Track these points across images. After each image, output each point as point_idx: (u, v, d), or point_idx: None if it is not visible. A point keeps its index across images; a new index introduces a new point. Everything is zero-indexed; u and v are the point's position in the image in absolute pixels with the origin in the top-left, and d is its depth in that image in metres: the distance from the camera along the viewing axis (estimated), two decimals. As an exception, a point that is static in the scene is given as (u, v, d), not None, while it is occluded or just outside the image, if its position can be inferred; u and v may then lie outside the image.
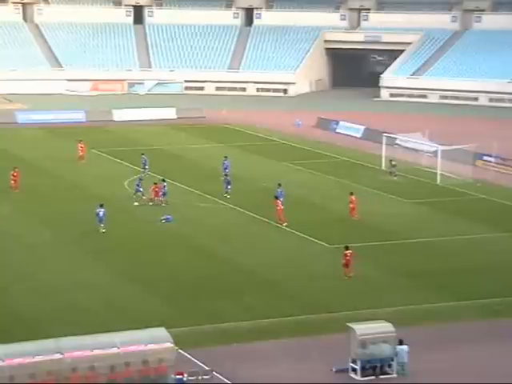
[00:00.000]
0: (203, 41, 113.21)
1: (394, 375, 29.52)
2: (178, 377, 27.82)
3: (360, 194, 52.48)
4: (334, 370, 29.72)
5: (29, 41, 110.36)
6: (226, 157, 59.36)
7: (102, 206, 45.61)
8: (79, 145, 64.85)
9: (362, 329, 29.58)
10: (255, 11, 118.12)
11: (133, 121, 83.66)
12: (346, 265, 39.04)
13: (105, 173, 60.55)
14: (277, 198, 48.36)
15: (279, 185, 51.33)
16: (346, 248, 39.28)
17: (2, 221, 47.62)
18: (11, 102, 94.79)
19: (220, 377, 29.00)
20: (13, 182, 53.81)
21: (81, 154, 64.25)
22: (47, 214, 49.39)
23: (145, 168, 59.15)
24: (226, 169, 57.83)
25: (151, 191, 51.74)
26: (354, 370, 29.41)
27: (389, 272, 40.32)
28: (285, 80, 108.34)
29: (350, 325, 29.91)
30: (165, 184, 51.90)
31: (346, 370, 29.60)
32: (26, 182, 54.69)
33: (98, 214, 45.46)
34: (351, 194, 50.19)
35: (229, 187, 53.70)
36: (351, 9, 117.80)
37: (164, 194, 51.30)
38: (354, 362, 29.45)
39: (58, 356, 26.62)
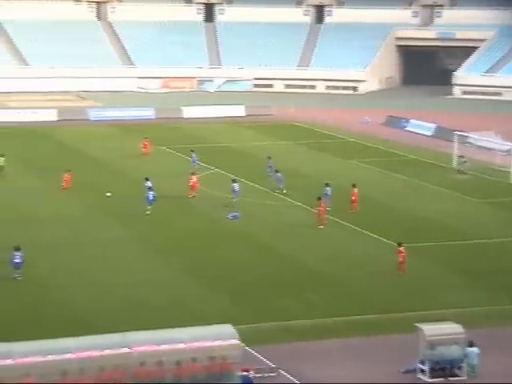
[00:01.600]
0: (273, 38, 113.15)
1: (464, 377, 29.11)
2: (243, 374, 27.87)
3: (428, 192, 51.99)
4: (401, 370, 29.47)
5: (102, 39, 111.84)
6: (269, 157, 59.04)
7: (150, 188, 48.28)
8: (144, 142, 65.69)
9: (430, 329, 29.26)
10: (326, 8, 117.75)
11: (202, 118, 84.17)
12: (401, 262, 39.08)
13: (173, 170, 60.98)
14: (319, 198, 47.66)
15: (327, 184, 50.93)
16: (399, 245, 39.47)
17: (70, 218, 48.32)
18: (84, 99, 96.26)
19: (286, 375, 29.00)
20: (65, 183, 53.91)
21: (144, 150, 65.05)
22: (112, 211, 49.92)
23: (195, 163, 60.04)
24: (270, 167, 57.36)
25: (192, 183, 52.75)
26: (423, 371, 29.12)
27: (454, 272, 39.85)
28: (355, 78, 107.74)
29: (418, 325, 29.63)
30: (235, 184, 51.73)
31: (414, 371, 29.35)
32: (92, 178, 55.48)
33: (147, 197, 47.85)
34: (354, 186, 49.98)
35: (281, 185, 54.01)
36: (424, 5, 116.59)
37: (235, 192, 51.19)
38: (422, 363, 29.16)
39: (125, 350, 26.95)
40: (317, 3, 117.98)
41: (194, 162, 60.44)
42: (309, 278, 39.06)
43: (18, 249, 37.54)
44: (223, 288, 37.45)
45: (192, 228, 46.67)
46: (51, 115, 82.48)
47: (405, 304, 35.68)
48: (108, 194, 52.06)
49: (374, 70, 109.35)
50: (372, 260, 41.49)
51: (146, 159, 64.32)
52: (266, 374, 28.72)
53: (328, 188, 50.41)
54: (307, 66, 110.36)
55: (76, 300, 35.86)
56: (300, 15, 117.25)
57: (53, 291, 36.77)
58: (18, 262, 37.24)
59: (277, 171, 55.40)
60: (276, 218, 48.68)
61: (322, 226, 46.63)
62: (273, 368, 29.10)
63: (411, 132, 79.40)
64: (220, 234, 45.59)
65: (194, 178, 53.41)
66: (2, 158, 57.90)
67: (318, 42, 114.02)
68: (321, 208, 47.01)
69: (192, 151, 61.43)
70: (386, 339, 32.05)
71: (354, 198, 49.65)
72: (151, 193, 48.58)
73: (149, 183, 50.10)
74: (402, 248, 39.37)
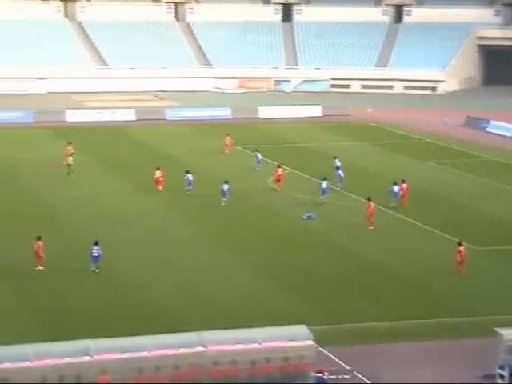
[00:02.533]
0: (350, 38, 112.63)
1: (546, 384, 28.53)
2: (318, 375, 27.74)
3: (507, 195, 51.04)
4: (480, 375, 28.96)
5: (180, 39, 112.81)
6: (335, 157, 58.87)
7: (226, 182, 50.50)
8: (226, 138, 66.38)
9: (510, 334, 28.69)
10: (405, 8, 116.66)
11: (278, 118, 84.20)
12: (460, 261, 38.64)
13: (249, 170, 61.14)
14: (369, 199, 47.06)
15: (395, 183, 50.68)
16: (459, 244, 39.02)
17: (146, 215, 48.81)
18: (161, 99, 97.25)
19: (360, 377, 28.78)
20: (160, 182, 54.45)
21: (226, 147, 66.06)
22: (190, 209, 50.23)
23: (259, 163, 60.60)
24: (337, 167, 57.27)
25: (275, 177, 54.18)
26: (502, 376, 28.54)
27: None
28: (433, 78, 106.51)
29: (497, 330, 29.08)
30: (325, 182, 51.76)
31: (492, 377, 28.80)
32: (170, 177, 55.85)
33: (222, 190, 50.12)
34: (403, 181, 50.39)
35: (338, 184, 54.44)
36: (506, 4, 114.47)
37: (323, 191, 51.50)
38: (501, 368, 28.58)
39: (200, 349, 27.09)
40: (396, 3, 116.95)
41: (259, 161, 60.75)
42: (385, 279, 38.74)
43: (96, 243, 38.64)
44: (297, 288, 37.36)
45: (266, 227, 46.69)
46: (129, 115, 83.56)
47: (482, 308, 35.11)
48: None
49: (453, 70, 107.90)
50: (448, 262, 40.84)
51: (222, 158, 64.56)
52: (340, 376, 28.55)
53: (394, 186, 50.40)
54: (385, 66, 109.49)
55: (155, 297, 36.15)
56: (378, 15, 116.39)
57: (131, 288, 37.17)
58: (96, 256, 38.45)
59: (338, 168, 55.80)
60: (350, 219, 48.39)
61: (371, 227, 46.20)
62: (347, 370, 28.91)
63: (491, 133, 78.10)
64: (295, 233, 45.54)
65: (280, 171, 54.26)
66: (71, 157, 58.77)
67: (396, 41, 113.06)
68: (370, 209, 46.61)
69: (256, 151, 61.79)
70: (463, 343, 31.58)
71: (402, 192, 50.06)
72: (227, 185, 50.47)
73: (226, 186, 50.87)
74: (461, 248, 38.94)
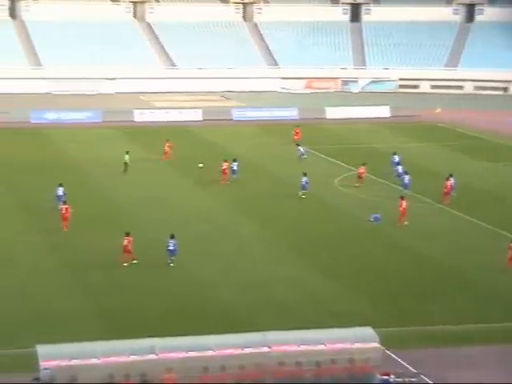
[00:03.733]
0: (420, 38, 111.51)
1: None
2: (383, 377, 27.49)
3: None
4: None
5: (247, 40, 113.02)
6: (394, 153, 59.84)
7: (305, 174, 52.38)
8: (295, 129, 69.68)
9: None
10: (476, 7, 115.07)
11: (345, 119, 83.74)
12: (510, 258, 38.35)
13: (315, 170, 60.85)
14: (402, 198, 47.35)
15: (450, 175, 51.09)
16: None
17: (212, 213, 48.96)
18: (228, 99, 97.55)
19: (427, 380, 28.40)
20: (224, 174, 56.09)
21: (296, 137, 68.83)
22: (255, 208, 50.34)
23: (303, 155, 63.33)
24: (397, 163, 57.84)
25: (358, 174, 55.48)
26: None
27: None
28: (505, 78, 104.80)
29: None
30: (406, 176, 53.09)
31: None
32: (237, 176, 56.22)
33: (301, 182, 52.20)
34: (451, 175, 51.65)
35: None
36: None
37: (405, 184, 52.83)
38: None
39: (265, 349, 27.03)
40: (468, 2, 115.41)
41: (302, 154, 63.20)
42: (453, 282, 38.28)
43: (172, 237, 39.76)
44: (363, 289, 37.14)
45: (333, 227, 46.52)
46: (196, 115, 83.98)
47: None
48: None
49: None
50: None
51: (290, 159, 64.46)
52: (406, 379, 28.21)
53: (451, 179, 51.46)
54: (455, 66, 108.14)
55: (219, 296, 36.28)
56: (449, 14, 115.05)
57: (196, 286, 37.37)
58: (171, 250, 39.64)
59: (398, 164, 56.17)
60: (417, 220, 47.85)
61: (406, 223, 46.34)
62: (414, 373, 28.57)
63: None
64: (360, 234, 45.32)
65: (362, 169, 55.73)
66: (127, 156, 59.31)
67: (467, 41, 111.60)
68: (402, 208, 46.46)
69: (298, 145, 63.63)
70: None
71: (446, 190, 50.67)
72: (304, 178, 52.60)
73: (304, 178, 52.94)
74: None
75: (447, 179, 51.35)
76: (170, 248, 39.51)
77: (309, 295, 36.44)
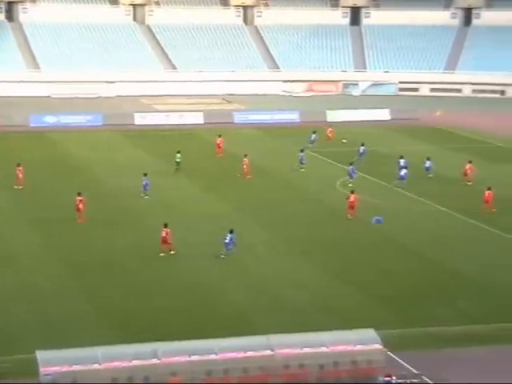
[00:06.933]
0: (419, 41, 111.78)
1: None
2: (386, 379, 27.58)
3: None
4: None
5: (248, 43, 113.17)
6: (401, 156, 59.16)
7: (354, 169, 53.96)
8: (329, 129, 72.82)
9: None
10: (474, 11, 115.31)
11: (346, 122, 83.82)
12: None
13: (317, 173, 61.04)
14: (352, 192, 48.50)
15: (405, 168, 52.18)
16: None
17: (218, 216, 49.10)
18: (229, 102, 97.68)
19: (428, 381, 28.50)
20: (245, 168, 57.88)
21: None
22: (262, 213, 50.34)
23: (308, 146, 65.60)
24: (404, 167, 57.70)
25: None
26: None
27: None
28: (502, 81, 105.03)
29: None
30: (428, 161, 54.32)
31: None
32: (240, 180, 56.27)
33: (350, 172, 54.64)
34: (470, 162, 55.35)
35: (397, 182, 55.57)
36: None
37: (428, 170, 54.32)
38: None
39: (268, 352, 27.14)
40: (465, 6, 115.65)
41: (312, 141, 66.65)
42: (459, 283, 38.47)
43: (231, 231, 41.58)
44: (371, 293, 37.16)
45: (340, 231, 46.62)
46: (197, 118, 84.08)
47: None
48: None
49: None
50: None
51: (290, 162, 64.55)
52: (408, 381, 28.30)
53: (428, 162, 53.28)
54: (454, 69, 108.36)
55: (228, 299, 36.37)
56: (447, 18, 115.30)
57: (204, 289, 37.45)
58: (226, 243, 41.43)
59: (404, 168, 56.29)
60: (423, 224, 48.01)
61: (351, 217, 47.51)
62: (416, 374, 28.66)
63: None
64: (368, 238, 45.34)
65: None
66: (179, 155, 59.52)
67: (465, 45, 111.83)
68: (351, 200, 47.75)
69: (302, 151, 62.92)
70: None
71: (469, 171, 55.35)
72: (352, 168, 55.32)
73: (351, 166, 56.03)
74: None
75: (488, 189, 50.11)
76: (226, 241, 41.04)
77: (317, 301, 36.19)
